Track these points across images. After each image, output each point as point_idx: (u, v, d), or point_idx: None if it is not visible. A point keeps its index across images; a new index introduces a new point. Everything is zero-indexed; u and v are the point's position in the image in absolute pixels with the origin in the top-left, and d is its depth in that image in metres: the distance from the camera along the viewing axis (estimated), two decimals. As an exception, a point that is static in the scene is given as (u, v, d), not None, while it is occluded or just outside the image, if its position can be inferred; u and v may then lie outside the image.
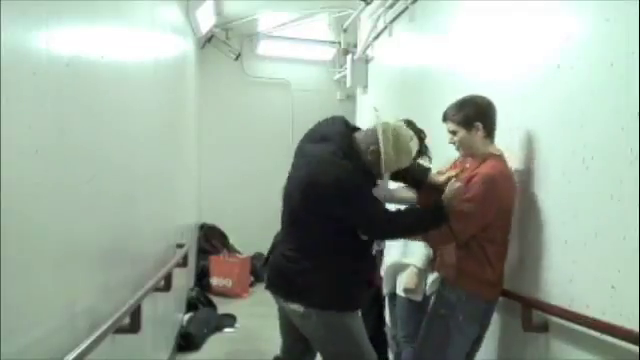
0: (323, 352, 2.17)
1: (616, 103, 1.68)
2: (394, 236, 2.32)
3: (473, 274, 2.12)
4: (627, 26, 1.63)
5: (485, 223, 2.10)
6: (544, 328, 2.05)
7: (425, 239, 2.28)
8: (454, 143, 2.24)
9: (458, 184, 2.11)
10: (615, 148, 1.67)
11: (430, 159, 2.99)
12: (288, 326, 2.22)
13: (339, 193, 1.97)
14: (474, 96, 2.23)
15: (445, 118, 2.24)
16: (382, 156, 2.03)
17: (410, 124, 2.81)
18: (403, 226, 2.12)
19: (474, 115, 2.15)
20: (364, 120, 3.99)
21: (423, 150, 2.95)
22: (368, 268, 2.25)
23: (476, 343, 2.21)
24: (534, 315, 2.08)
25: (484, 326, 2.19)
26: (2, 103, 1.07)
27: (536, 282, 2.11)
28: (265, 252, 2.36)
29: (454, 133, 2.20)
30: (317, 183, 2.00)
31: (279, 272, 2.15)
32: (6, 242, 1.10)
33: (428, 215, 2.12)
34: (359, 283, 2.14)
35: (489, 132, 2.18)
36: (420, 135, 2.94)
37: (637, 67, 1.57)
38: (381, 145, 2.03)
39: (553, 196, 2.03)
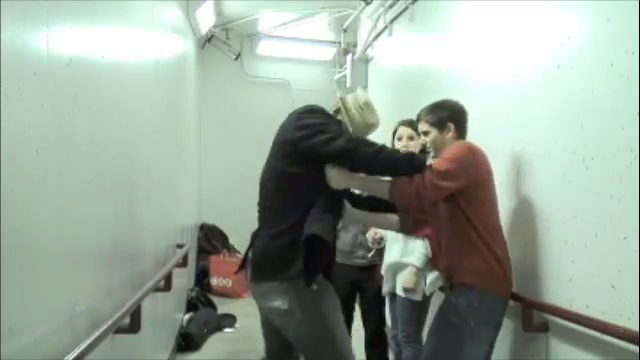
0: (305, 351, 2.11)
1: (616, 103, 1.68)
2: (359, 154, 1.95)
3: (481, 271, 2.06)
4: (627, 26, 1.63)
5: (460, 184, 2.03)
6: (544, 328, 2.05)
7: (394, 189, 2.04)
8: (424, 144, 2.28)
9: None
10: (615, 148, 1.68)
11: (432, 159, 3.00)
12: (271, 329, 2.16)
13: (306, 115, 2.02)
14: (448, 99, 2.30)
15: (418, 119, 2.29)
16: (343, 109, 2.12)
17: (411, 124, 2.81)
18: (371, 152, 1.96)
19: (448, 117, 2.21)
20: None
21: (427, 150, 2.96)
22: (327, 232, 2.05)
23: (490, 346, 2.11)
24: (534, 315, 2.07)
25: (498, 326, 2.11)
26: (2, 103, 1.07)
27: (536, 282, 2.11)
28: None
29: (426, 134, 2.26)
30: (288, 120, 2.09)
31: (257, 256, 2.07)
32: (6, 242, 1.10)
33: (404, 156, 2.04)
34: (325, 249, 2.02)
35: (460, 134, 2.23)
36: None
37: (637, 67, 1.57)
38: (342, 102, 2.14)
39: (553, 196, 2.03)
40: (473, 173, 2.08)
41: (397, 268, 2.81)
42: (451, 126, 2.20)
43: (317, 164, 2.01)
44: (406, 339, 2.79)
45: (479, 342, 2.05)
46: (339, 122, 2.12)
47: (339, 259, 2.90)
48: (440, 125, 2.21)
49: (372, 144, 1.99)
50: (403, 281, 2.74)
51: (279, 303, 1.98)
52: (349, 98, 2.17)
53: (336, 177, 2.01)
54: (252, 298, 2.14)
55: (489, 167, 2.15)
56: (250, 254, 2.12)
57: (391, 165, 2.00)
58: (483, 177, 2.13)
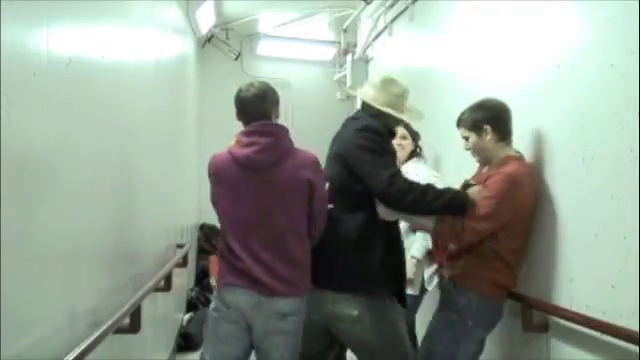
0: (370, 357, 2.15)
1: (616, 103, 1.68)
2: (397, 197, 1.96)
3: (488, 279, 2.07)
4: (627, 26, 1.63)
5: (503, 223, 2.01)
6: (544, 328, 2.04)
7: (435, 231, 2.11)
8: (469, 149, 2.20)
9: (479, 186, 2.07)
10: (615, 148, 1.67)
11: (425, 159, 2.99)
12: (317, 337, 2.15)
13: (365, 134, 2.03)
14: (486, 99, 2.19)
15: (458, 124, 2.22)
16: (373, 104, 2.15)
17: (407, 126, 2.83)
18: (411, 189, 1.96)
19: (482, 119, 2.11)
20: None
21: (418, 151, 2.98)
22: (396, 253, 2.18)
23: (481, 343, 2.17)
24: (534, 315, 2.07)
25: (490, 327, 2.15)
26: (2, 103, 1.07)
27: (536, 282, 2.11)
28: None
29: (466, 139, 2.18)
30: (348, 130, 2.12)
31: (330, 263, 2.08)
32: (6, 242, 1.10)
33: (448, 197, 2.00)
34: (393, 266, 2.13)
35: (502, 135, 2.12)
36: (415, 137, 2.98)
37: (637, 67, 1.57)
38: (365, 100, 2.19)
39: (553, 196, 2.03)
40: (515, 207, 2.02)
41: None
42: (488, 128, 2.10)
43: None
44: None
45: (474, 341, 2.11)
46: (388, 142, 2.13)
47: None
48: (477, 129, 2.12)
49: (409, 185, 1.97)
50: None
51: (349, 310, 2.04)
52: (365, 91, 2.20)
53: (384, 211, 2.05)
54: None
55: (533, 196, 2.06)
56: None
57: (433, 212, 2.03)
58: (526, 207, 2.05)
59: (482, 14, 2.72)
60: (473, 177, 2.23)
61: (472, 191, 2.06)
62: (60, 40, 1.43)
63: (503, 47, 2.47)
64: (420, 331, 2.64)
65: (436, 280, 2.77)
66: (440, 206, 1.99)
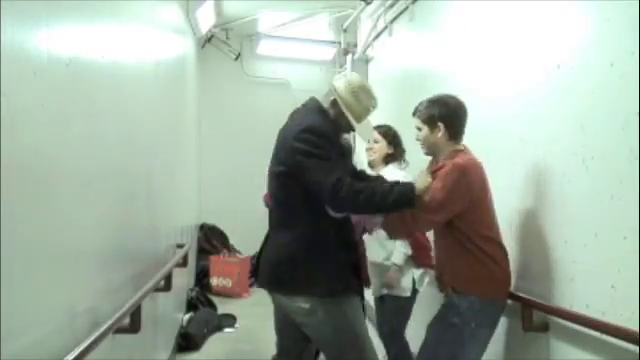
0: (326, 350, 2.14)
1: (616, 103, 1.68)
2: (349, 203, 1.94)
3: (483, 277, 2.07)
4: (627, 26, 1.63)
5: (454, 212, 2.04)
6: (544, 328, 2.05)
7: (385, 225, 2.13)
8: (419, 141, 2.23)
9: (426, 174, 2.07)
10: (615, 148, 1.68)
11: (406, 163, 2.98)
12: (286, 326, 2.18)
13: (304, 137, 1.97)
14: (446, 95, 2.21)
15: (414, 113, 2.23)
16: (340, 101, 2.07)
17: (390, 129, 2.89)
18: (360, 191, 1.92)
19: (439, 115, 2.13)
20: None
21: (398, 155, 2.97)
22: (349, 249, 2.14)
23: (486, 345, 2.15)
24: (534, 315, 2.07)
25: (494, 327, 2.14)
26: (2, 103, 1.07)
27: (536, 282, 2.11)
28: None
29: (419, 129, 2.21)
30: (289, 130, 2.06)
31: (273, 267, 2.10)
32: (6, 242, 1.09)
33: (395, 191, 1.96)
34: (344, 264, 2.07)
35: (453, 134, 2.15)
36: (392, 140, 2.98)
37: (637, 67, 1.57)
38: (336, 93, 2.08)
39: (553, 196, 2.03)
40: (467, 197, 2.04)
41: (382, 270, 2.85)
42: (441, 126, 2.13)
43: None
44: (390, 333, 2.84)
45: (477, 343, 2.10)
46: (333, 103, 2.09)
47: None
48: (430, 123, 2.15)
49: (358, 188, 1.93)
50: (387, 281, 2.82)
51: (300, 303, 2.01)
52: (341, 85, 2.10)
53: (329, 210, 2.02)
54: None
55: (483, 182, 2.10)
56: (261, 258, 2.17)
57: (377, 208, 2.01)
58: (477, 196, 2.08)
59: (482, 14, 2.72)
60: (427, 168, 2.24)
61: (417, 179, 2.05)
62: (60, 40, 1.43)
63: (503, 47, 2.47)
64: (419, 332, 2.64)
65: (427, 280, 2.84)
66: (391, 204, 1.96)
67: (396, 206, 1.98)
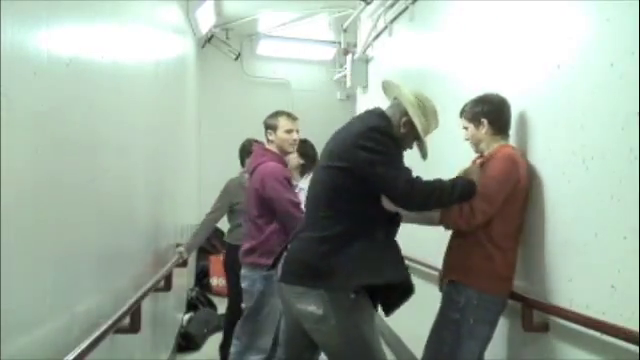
0: (335, 359, 2.07)
1: (616, 103, 1.68)
2: (419, 201, 1.97)
3: (484, 271, 2.08)
4: (627, 26, 1.63)
5: (501, 203, 2.07)
6: (544, 328, 2.05)
7: (443, 216, 2.14)
8: (468, 140, 2.29)
9: (477, 166, 2.15)
10: (615, 148, 1.67)
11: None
12: (297, 332, 2.11)
13: (372, 135, 1.96)
14: (489, 94, 2.26)
15: (461, 114, 2.31)
16: (418, 125, 2.07)
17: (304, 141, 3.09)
18: (430, 190, 1.97)
19: (481, 112, 2.20)
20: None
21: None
22: (393, 251, 2.07)
23: (485, 342, 2.16)
24: (534, 315, 2.08)
25: (493, 324, 2.15)
26: (2, 103, 1.07)
27: (536, 282, 2.11)
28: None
29: (466, 129, 2.27)
30: (350, 131, 2.04)
31: (295, 260, 2.05)
32: (6, 242, 1.09)
33: (458, 186, 2.04)
34: (384, 265, 2.02)
35: (498, 129, 2.20)
36: (308, 154, 3.21)
37: (637, 67, 1.57)
38: (411, 114, 2.06)
39: (553, 196, 2.03)
40: (514, 186, 2.08)
41: None
42: (484, 121, 2.19)
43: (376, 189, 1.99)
44: None
45: (476, 339, 2.10)
46: (406, 123, 2.07)
47: None
48: (475, 120, 2.22)
49: (428, 186, 1.97)
50: None
51: (313, 308, 1.96)
52: (411, 97, 2.09)
53: (389, 204, 2.02)
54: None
55: (528, 176, 2.13)
56: (285, 254, 2.11)
57: (444, 204, 2.06)
58: (521, 188, 2.11)
59: (482, 14, 2.72)
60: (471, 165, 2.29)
61: (470, 172, 2.12)
62: (60, 40, 1.43)
63: (503, 47, 2.47)
64: (420, 331, 2.64)
65: None
66: (458, 196, 2.03)
67: (463, 197, 2.04)
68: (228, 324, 3.43)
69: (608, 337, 1.66)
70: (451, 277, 2.18)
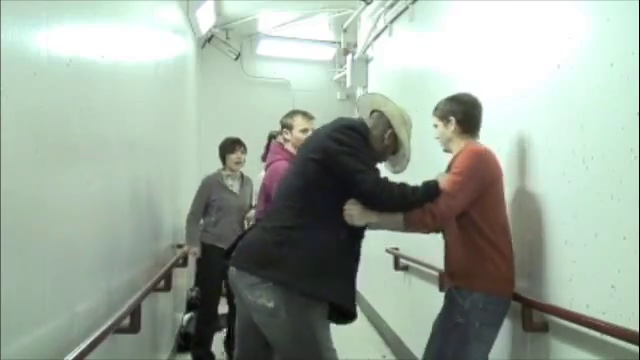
0: (283, 354, 2.00)
1: (616, 103, 1.68)
2: (385, 197, 1.95)
3: (487, 274, 2.07)
4: (627, 26, 1.63)
5: (471, 196, 2.06)
6: (544, 328, 2.04)
7: (408, 221, 2.06)
8: (437, 138, 2.32)
9: (444, 173, 2.15)
10: (615, 148, 1.67)
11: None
12: (250, 329, 2.02)
13: (344, 131, 1.99)
14: (461, 93, 2.29)
15: (433, 112, 2.33)
16: (404, 143, 2.13)
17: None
18: (395, 186, 1.97)
19: (451, 110, 2.22)
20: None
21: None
22: (352, 257, 2.04)
23: (492, 345, 2.14)
24: (534, 315, 2.07)
25: (499, 327, 2.13)
26: (2, 103, 1.07)
27: (536, 282, 2.11)
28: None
29: (435, 127, 2.30)
30: (326, 127, 2.07)
31: (251, 245, 1.99)
32: (6, 242, 1.10)
33: (421, 186, 2.05)
34: (340, 269, 1.97)
35: (466, 128, 2.21)
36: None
37: (637, 67, 1.57)
38: (396, 129, 2.12)
39: (553, 196, 2.03)
40: (482, 180, 2.09)
41: None
42: (452, 119, 2.21)
43: (342, 182, 1.96)
44: None
45: (482, 342, 2.09)
46: (391, 136, 2.12)
47: (219, 243, 3.44)
48: (444, 119, 2.24)
49: (393, 184, 1.98)
50: None
51: (264, 300, 1.89)
52: (394, 109, 2.16)
53: (358, 215, 1.98)
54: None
55: (498, 169, 2.15)
56: (240, 242, 2.05)
57: (408, 207, 2.03)
58: (491, 181, 2.12)
59: (482, 14, 2.72)
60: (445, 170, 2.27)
61: (439, 176, 2.12)
62: (60, 40, 1.43)
63: (503, 47, 2.47)
64: (420, 331, 2.64)
65: None
66: (422, 193, 2.02)
67: (427, 196, 2.04)
68: (231, 316, 3.46)
69: (608, 337, 1.66)
70: (455, 284, 2.17)
